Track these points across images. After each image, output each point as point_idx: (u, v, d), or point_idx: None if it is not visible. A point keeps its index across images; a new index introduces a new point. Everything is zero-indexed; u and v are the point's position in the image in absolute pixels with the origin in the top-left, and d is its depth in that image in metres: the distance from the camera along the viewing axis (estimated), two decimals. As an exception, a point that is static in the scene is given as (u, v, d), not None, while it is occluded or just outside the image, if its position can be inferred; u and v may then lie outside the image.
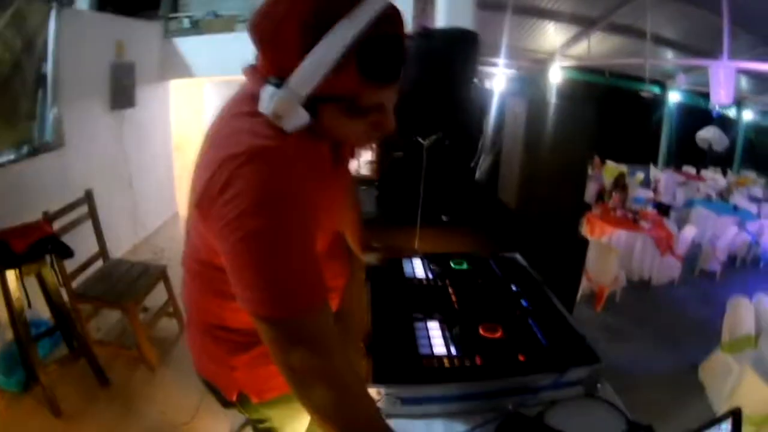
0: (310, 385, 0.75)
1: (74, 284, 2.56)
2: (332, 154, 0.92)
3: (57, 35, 3.04)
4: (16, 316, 2.24)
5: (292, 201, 0.75)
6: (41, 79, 3.01)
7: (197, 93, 5.03)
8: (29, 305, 2.31)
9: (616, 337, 3.48)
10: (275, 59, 0.76)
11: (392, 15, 0.76)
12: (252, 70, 0.83)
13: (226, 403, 1.08)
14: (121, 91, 3.81)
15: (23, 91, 2.87)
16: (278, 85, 0.74)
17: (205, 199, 0.77)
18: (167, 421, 2.35)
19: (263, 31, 0.76)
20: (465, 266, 1.42)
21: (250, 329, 0.80)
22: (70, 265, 2.50)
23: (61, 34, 3.04)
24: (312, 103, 0.76)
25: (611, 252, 3.82)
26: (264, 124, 0.78)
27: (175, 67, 4.39)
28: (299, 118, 0.77)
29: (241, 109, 0.83)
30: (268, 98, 0.75)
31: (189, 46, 4.37)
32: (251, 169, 0.73)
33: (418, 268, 1.40)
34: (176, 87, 4.74)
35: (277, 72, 0.75)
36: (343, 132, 0.84)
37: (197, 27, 4.47)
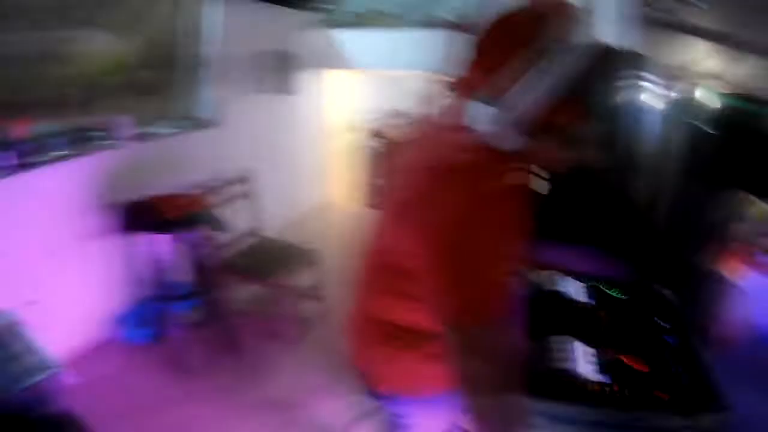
0: (477, 390, 0.79)
1: (223, 256, 2.75)
2: (523, 173, 0.94)
3: (219, 21, 3.30)
4: (159, 275, 2.54)
5: (491, 216, 0.79)
6: (201, 59, 3.30)
7: (350, 84, 5.17)
8: (175, 269, 2.58)
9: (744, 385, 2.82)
10: (490, 76, 0.77)
11: (605, 51, 0.79)
12: (460, 83, 0.85)
13: (371, 393, 1.15)
14: (280, 78, 4.07)
15: (183, 69, 3.18)
16: (488, 103, 0.75)
17: (406, 205, 0.83)
18: (286, 396, 2.42)
19: (485, 46, 0.79)
20: (617, 293, 1.42)
21: (420, 330, 0.90)
22: (221, 238, 2.71)
23: (223, 19, 3.31)
24: (523, 126, 0.77)
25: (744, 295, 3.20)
26: (469, 139, 0.81)
27: (331, 58, 4.53)
28: (511, 139, 0.79)
29: (445, 120, 0.88)
30: (480, 115, 0.78)
31: (346, 38, 4.50)
32: (455, 183, 0.78)
33: (573, 288, 1.42)
34: (331, 77, 4.91)
35: (489, 89, 0.77)
36: (546, 157, 0.87)
37: (353, 20, 4.56)
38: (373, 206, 5.37)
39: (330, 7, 4.65)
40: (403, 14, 4.33)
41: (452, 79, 0.86)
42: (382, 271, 0.97)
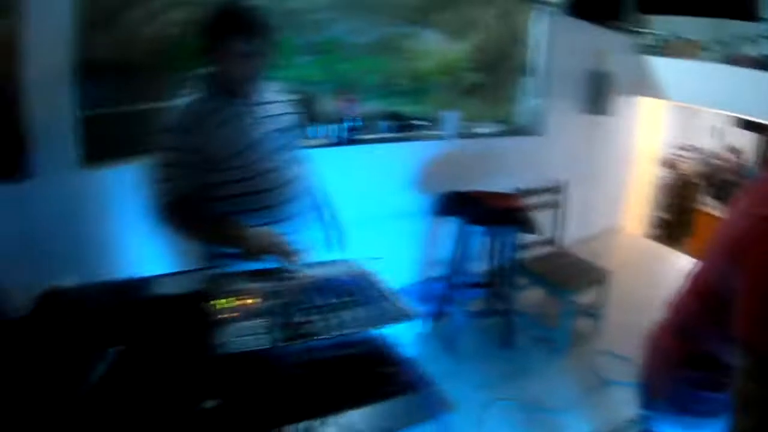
0: (749, 412, 0.81)
1: (522, 257, 2.88)
2: None
3: (541, 34, 3.46)
4: (456, 261, 2.75)
5: None
6: (525, 70, 3.48)
7: (658, 113, 4.91)
8: (472, 258, 2.74)
9: None
10: None
11: None
12: None
13: (648, 406, 1.21)
14: (597, 99, 4.00)
15: (508, 77, 3.40)
16: None
17: (738, 246, 0.88)
18: (545, 400, 2.43)
19: None
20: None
21: (718, 359, 0.98)
22: (525, 240, 2.84)
23: (545, 33, 3.44)
24: None
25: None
26: None
27: (644, 84, 4.37)
28: None
29: None
30: None
31: (658, 65, 4.29)
32: None
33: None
34: (642, 103, 4.69)
35: None
36: None
37: (661, 46, 4.38)
38: (652, 237, 4.98)
39: (646, 31, 4.44)
40: (701, 39, 4.02)
41: None
42: (705, 298, 1.02)
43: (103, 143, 2.82)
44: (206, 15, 1.42)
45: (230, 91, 1.46)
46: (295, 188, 1.58)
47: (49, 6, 2.40)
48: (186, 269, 1.52)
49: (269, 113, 1.54)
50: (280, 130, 1.55)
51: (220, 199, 1.48)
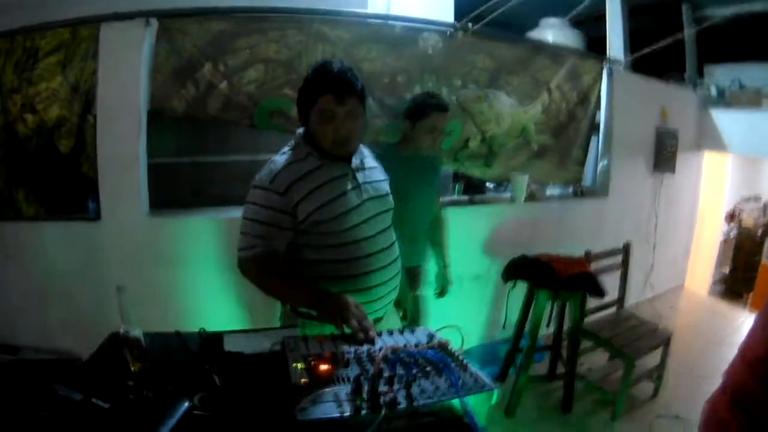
0: None
1: (586, 320, 2.83)
2: None
3: (608, 92, 3.44)
4: (521, 324, 2.76)
5: None
6: (594, 130, 3.46)
7: (722, 166, 4.83)
8: (538, 320, 2.68)
9: None
10: None
11: None
12: None
13: None
14: (664, 156, 3.96)
15: (576, 138, 3.38)
16: None
17: None
18: None
19: None
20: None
21: None
22: (590, 302, 2.80)
23: (611, 91, 3.43)
24: None
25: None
26: None
27: (707, 138, 4.31)
28: None
29: None
30: None
31: (721, 117, 4.23)
32: None
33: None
34: (707, 158, 4.64)
35: None
36: None
37: (723, 97, 4.30)
38: (716, 294, 4.82)
39: (708, 83, 4.40)
40: (764, 87, 3.92)
41: None
42: (747, 367, 0.98)
43: (172, 192, 2.95)
44: (305, 76, 1.45)
45: (328, 154, 1.44)
46: (387, 257, 1.54)
47: (125, 54, 2.58)
48: (261, 327, 1.52)
49: (368, 179, 1.53)
50: (378, 197, 1.53)
51: (307, 262, 1.46)
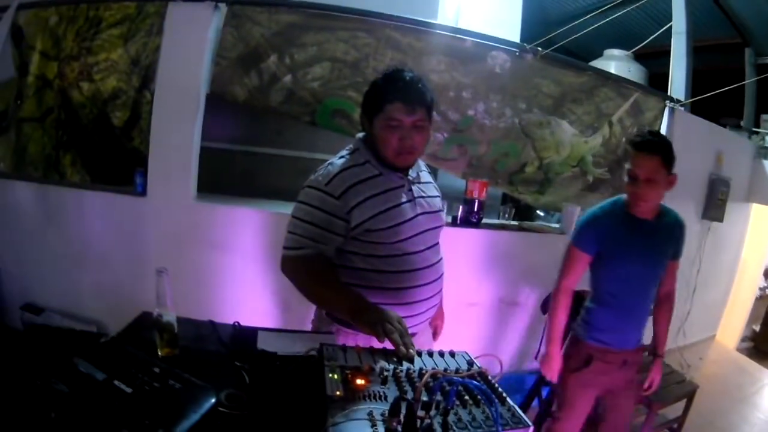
0: None
1: None
2: None
3: (668, 131, 3.32)
4: None
5: None
6: None
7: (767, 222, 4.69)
8: None
9: None
10: None
11: None
12: None
13: None
14: (714, 203, 3.84)
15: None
16: None
17: None
18: None
19: None
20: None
21: None
22: None
23: (671, 131, 3.31)
24: None
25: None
26: None
27: (758, 189, 4.20)
28: None
29: None
30: None
31: None
32: None
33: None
34: (756, 210, 4.52)
35: None
36: None
37: None
38: (744, 351, 4.69)
39: (765, 134, 4.32)
40: None
41: None
42: None
43: (221, 178, 2.94)
44: (373, 80, 1.40)
45: (388, 163, 1.40)
46: (434, 273, 1.49)
47: (190, 35, 2.57)
48: (296, 329, 1.49)
49: (423, 193, 1.49)
50: (432, 213, 1.49)
51: (353, 270, 1.43)
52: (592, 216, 1.85)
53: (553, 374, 1.92)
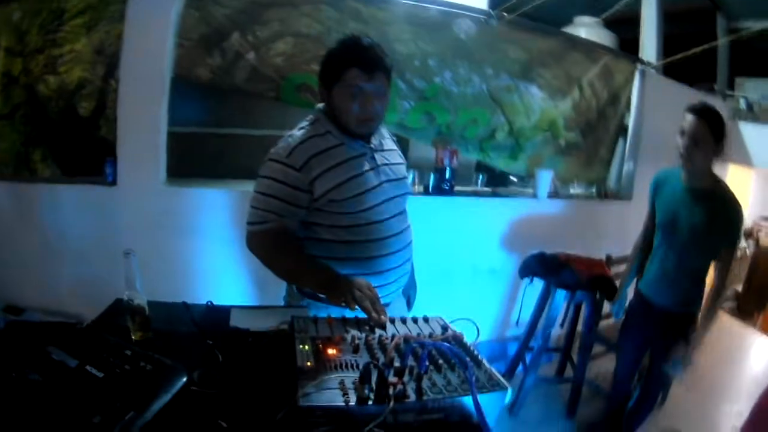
0: None
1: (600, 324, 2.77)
2: None
3: (639, 94, 3.34)
4: (534, 323, 2.73)
5: None
6: (622, 131, 3.38)
7: (746, 181, 4.75)
8: (550, 320, 2.66)
9: None
10: None
11: None
12: None
13: None
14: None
15: (604, 138, 3.31)
16: None
17: None
18: None
19: None
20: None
21: None
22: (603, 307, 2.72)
23: (642, 93, 3.33)
24: None
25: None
26: None
27: (734, 150, 4.01)
28: None
29: None
30: None
31: (748, 131, 4.14)
32: None
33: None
34: (731, 171, 4.48)
35: None
36: None
37: (752, 110, 4.19)
38: (727, 311, 4.74)
39: (737, 95, 4.30)
40: None
41: None
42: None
43: (190, 162, 2.91)
44: (329, 48, 1.38)
45: (349, 132, 1.38)
46: (401, 241, 1.49)
47: (152, 19, 2.52)
48: (268, 305, 1.48)
49: (387, 161, 1.48)
50: (396, 180, 1.48)
51: (319, 242, 1.42)
52: None
53: None
